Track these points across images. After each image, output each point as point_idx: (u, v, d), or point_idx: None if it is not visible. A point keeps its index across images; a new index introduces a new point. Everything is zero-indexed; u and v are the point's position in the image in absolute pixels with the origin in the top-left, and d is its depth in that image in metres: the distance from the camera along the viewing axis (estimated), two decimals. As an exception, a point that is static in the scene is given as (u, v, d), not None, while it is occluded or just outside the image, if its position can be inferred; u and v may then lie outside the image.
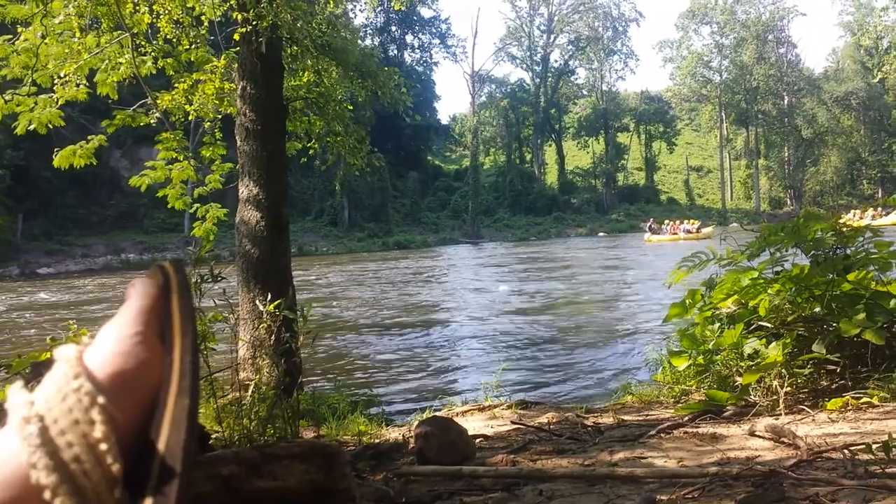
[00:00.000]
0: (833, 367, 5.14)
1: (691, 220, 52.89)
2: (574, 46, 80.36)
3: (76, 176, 31.73)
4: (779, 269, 5.87)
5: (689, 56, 79.07)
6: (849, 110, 78.74)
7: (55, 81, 7.27)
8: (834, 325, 5.16)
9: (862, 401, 4.63)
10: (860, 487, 2.99)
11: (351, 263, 36.75)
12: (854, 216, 34.99)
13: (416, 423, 4.97)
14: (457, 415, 5.93)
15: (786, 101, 77.83)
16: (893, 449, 3.29)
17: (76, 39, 7.26)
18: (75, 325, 4.86)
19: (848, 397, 4.68)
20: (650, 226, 51.19)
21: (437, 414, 5.89)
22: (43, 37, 6.98)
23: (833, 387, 5.05)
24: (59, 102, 7.27)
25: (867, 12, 78.52)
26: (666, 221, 52.61)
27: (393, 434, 5.52)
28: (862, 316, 5.01)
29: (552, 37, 79.59)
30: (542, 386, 9.16)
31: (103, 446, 0.42)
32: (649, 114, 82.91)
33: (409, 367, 10.89)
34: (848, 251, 5.70)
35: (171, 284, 0.51)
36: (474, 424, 5.44)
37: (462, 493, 3.57)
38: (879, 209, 43.93)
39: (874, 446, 3.32)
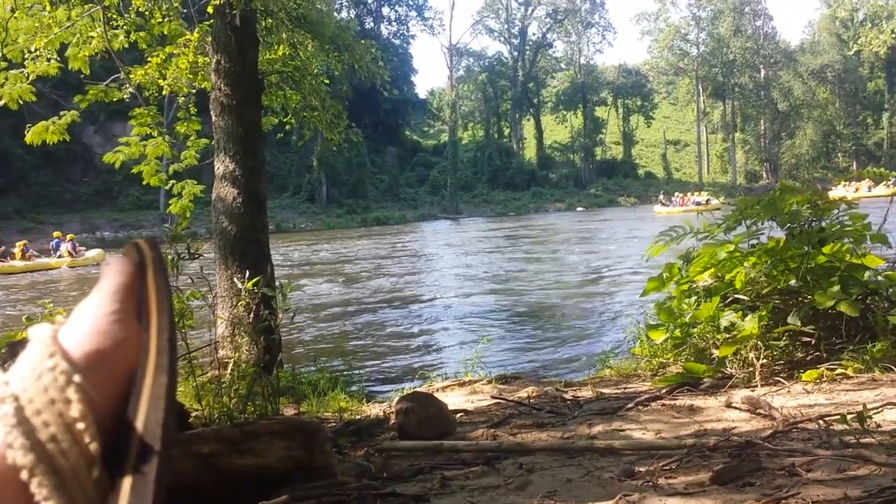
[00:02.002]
0: (808, 339, 5.21)
1: (700, 192, 53.50)
2: (552, 19, 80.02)
3: (49, 152, 31.39)
4: (755, 242, 5.92)
5: (666, 29, 79.08)
6: (824, 83, 79.33)
7: (25, 56, 7.13)
8: (809, 297, 5.23)
9: (836, 372, 4.70)
10: (835, 457, 3.05)
11: (330, 240, 36.65)
12: (846, 188, 35.15)
13: (397, 398, 4.99)
14: (437, 390, 5.95)
15: (762, 74, 78.22)
16: (868, 419, 3.34)
17: (46, 13, 7.12)
18: (51, 305, 4.82)
19: (823, 369, 4.74)
20: (660, 198, 51.39)
21: (418, 390, 5.91)
22: (12, 10, 6.84)
23: (808, 358, 5.12)
24: (31, 77, 7.15)
25: (843, -16, 78.89)
26: (676, 193, 53.10)
27: (374, 410, 5.54)
28: (836, 288, 5.07)
29: (530, 9, 79.22)
30: (521, 361, 9.22)
31: (80, 425, 0.42)
32: (627, 87, 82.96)
33: (390, 344, 10.91)
34: (823, 224, 5.76)
35: (146, 262, 0.51)
36: (455, 400, 5.46)
37: (443, 467, 3.59)
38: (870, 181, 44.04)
39: (849, 417, 3.37)
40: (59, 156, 41.62)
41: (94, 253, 28.57)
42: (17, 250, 26.86)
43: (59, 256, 27.61)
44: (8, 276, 24.76)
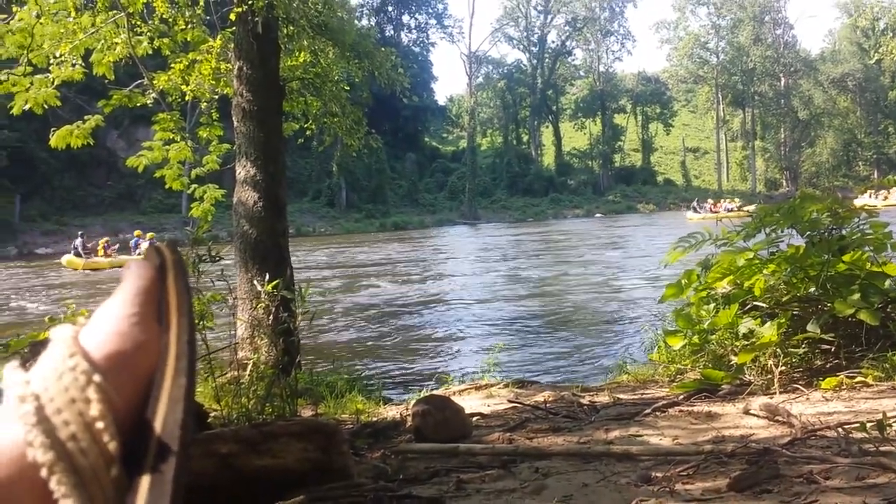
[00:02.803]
0: (827, 347, 5.17)
1: (733, 199, 53.58)
2: (571, 27, 79.89)
3: (73, 156, 31.71)
4: (774, 249, 5.89)
5: (686, 37, 78.82)
6: (845, 92, 78.64)
7: (51, 61, 7.22)
8: (829, 305, 5.19)
9: (856, 380, 4.67)
10: (854, 465, 3.03)
11: (348, 245, 36.72)
12: (875, 196, 34.69)
13: (414, 401, 5.01)
14: (454, 394, 5.97)
15: (782, 83, 77.69)
16: (887, 428, 3.32)
17: (71, 19, 7.20)
18: (73, 305, 4.88)
19: (842, 377, 4.71)
20: (694, 205, 51.28)
21: (435, 393, 5.93)
22: (38, 16, 6.92)
23: (827, 366, 5.09)
24: (55, 82, 7.22)
25: (864, -7, 78.35)
26: (708, 200, 53.09)
27: (390, 412, 5.56)
28: (857, 296, 5.03)
29: (549, 17, 79.12)
30: (538, 365, 9.21)
31: (100, 424, 0.42)
32: (646, 95, 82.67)
33: (407, 347, 10.93)
34: (843, 232, 5.72)
35: (167, 265, 0.51)
36: (471, 403, 5.47)
37: (459, 470, 3.60)
38: None
39: (868, 425, 3.34)
40: (83, 160, 42.05)
41: None
42: (99, 247, 28.03)
43: (139, 254, 28.51)
44: (95, 272, 26.06)
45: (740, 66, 76.27)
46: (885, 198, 36.84)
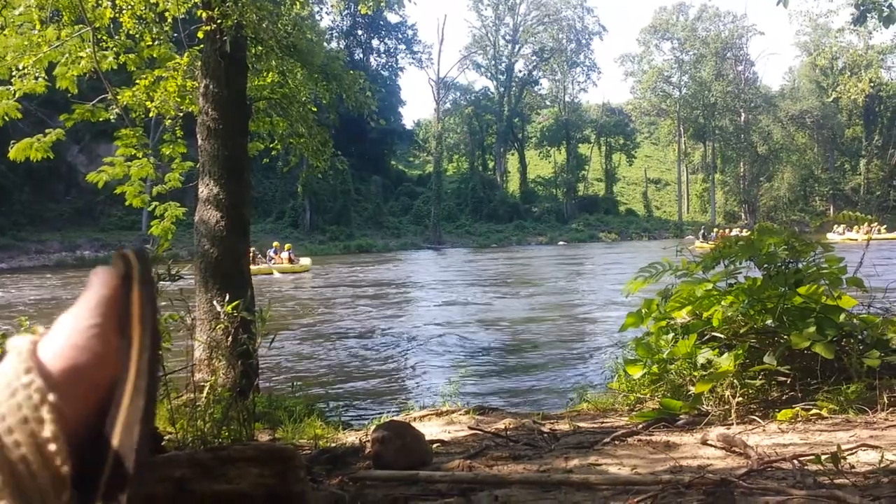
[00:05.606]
0: (784, 379, 5.25)
1: (739, 227, 54.48)
2: (538, 57, 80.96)
3: (32, 170, 31.22)
4: (732, 281, 5.98)
5: (649, 71, 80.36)
6: (803, 128, 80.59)
7: (13, 73, 7.11)
8: (785, 337, 5.27)
9: (811, 412, 4.73)
10: (809, 497, 3.05)
11: (312, 266, 36.43)
12: (857, 230, 35.66)
13: (373, 427, 4.96)
14: (414, 420, 5.92)
15: (742, 118, 79.41)
16: (842, 460, 3.36)
17: (36, 32, 7.11)
18: (27, 321, 4.77)
19: (798, 409, 4.78)
20: (700, 233, 51.91)
21: (395, 418, 5.88)
22: (2, 28, 6.83)
23: (783, 398, 5.16)
24: (17, 95, 7.11)
25: (823, 33, 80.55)
26: (714, 229, 53.93)
27: (350, 438, 5.50)
28: (812, 329, 5.12)
29: (517, 47, 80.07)
30: (500, 392, 9.19)
31: (52, 447, 0.41)
32: (610, 126, 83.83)
33: (368, 372, 10.84)
34: (800, 265, 5.83)
35: (132, 274, 0.49)
36: (431, 429, 5.44)
37: (418, 497, 3.56)
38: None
39: (823, 457, 3.39)
40: (41, 174, 41.28)
41: (307, 261, 32.58)
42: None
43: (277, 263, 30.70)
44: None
45: (702, 101, 77.85)
46: (867, 232, 37.76)
